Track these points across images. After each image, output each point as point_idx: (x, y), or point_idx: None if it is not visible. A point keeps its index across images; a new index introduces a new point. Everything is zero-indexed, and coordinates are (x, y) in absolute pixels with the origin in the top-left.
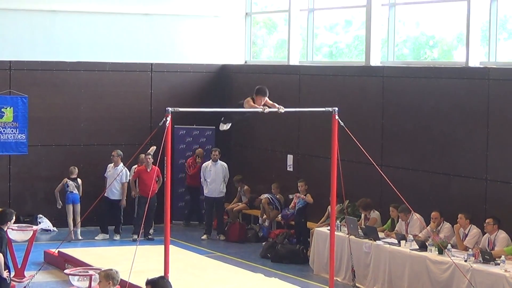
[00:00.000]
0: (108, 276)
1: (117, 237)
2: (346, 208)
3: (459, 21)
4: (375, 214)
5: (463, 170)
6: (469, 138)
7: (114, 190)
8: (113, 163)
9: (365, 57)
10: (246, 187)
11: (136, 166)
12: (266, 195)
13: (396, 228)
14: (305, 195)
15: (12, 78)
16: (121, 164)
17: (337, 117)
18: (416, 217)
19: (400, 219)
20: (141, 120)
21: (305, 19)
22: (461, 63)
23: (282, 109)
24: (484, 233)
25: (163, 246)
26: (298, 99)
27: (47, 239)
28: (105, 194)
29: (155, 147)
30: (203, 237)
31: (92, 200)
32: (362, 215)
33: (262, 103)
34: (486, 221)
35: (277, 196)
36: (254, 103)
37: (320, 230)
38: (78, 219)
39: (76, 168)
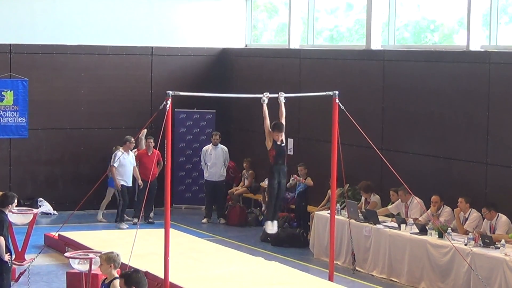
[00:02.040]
0: (109, 259)
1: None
2: (347, 192)
3: (460, 5)
4: (375, 198)
5: (463, 154)
6: (469, 122)
7: (130, 176)
8: (122, 149)
9: (366, 41)
10: (251, 171)
11: (136, 149)
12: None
13: (393, 208)
14: (305, 179)
15: (12, 61)
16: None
17: (337, 101)
18: (416, 200)
19: (399, 200)
20: (142, 103)
21: (305, 3)
22: (462, 47)
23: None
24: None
25: (163, 229)
26: (298, 83)
27: (48, 223)
28: (126, 184)
29: (145, 130)
30: (203, 221)
31: (92, 183)
32: (362, 199)
33: (280, 138)
34: (482, 210)
35: None
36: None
37: (320, 214)
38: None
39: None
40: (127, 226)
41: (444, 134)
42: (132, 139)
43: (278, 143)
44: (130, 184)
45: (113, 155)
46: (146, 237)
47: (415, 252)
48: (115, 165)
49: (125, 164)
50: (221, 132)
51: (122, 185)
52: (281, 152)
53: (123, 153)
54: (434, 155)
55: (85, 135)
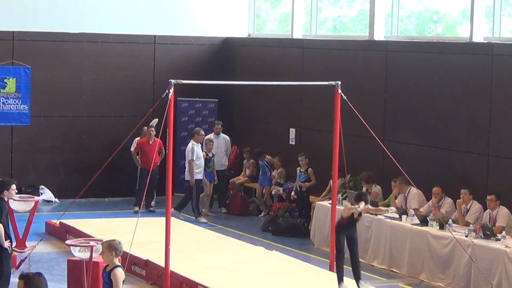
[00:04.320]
0: (110, 246)
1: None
2: (348, 182)
3: None
4: (376, 189)
5: (465, 145)
6: (472, 113)
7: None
8: (193, 141)
9: (369, 32)
10: (252, 160)
11: (138, 138)
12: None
13: (396, 201)
14: (307, 170)
15: (15, 48)
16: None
17: (340, 91)
18: (414, 191)
19: (399, 192)
20: (144, 92)
21: None
22: (465, 38)
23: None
24: (485, 209)
25: (164, 218)
26: (301, 72)
27: (49, 210)
28: (200, 178)
29: (157, 119)
30: (204, 210)
31: (94, 171)
32: (364, 189)
33: (359, 212)
34: (488, 197)
35: (279, 170)
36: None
37: (322, 204)
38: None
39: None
40: (206, 221)
41: (446, 125)
42: (202, 131)
43: (356, 216)
44: (201, 177)
45: (190, 149)
46: (147, 226)
47: (415, 243)
48: (194, 158)
49: (200, 157)
50: (223, 121)
51: (199, 179)
52: (353, 223)
53: (197, 145)
54: (436, 146)
55: (87, 123)
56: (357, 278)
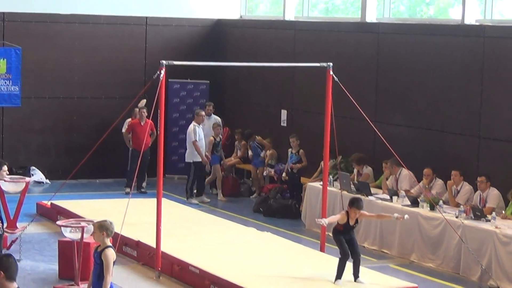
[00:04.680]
0: (102, 227)
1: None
2: (339, 164)
3: None
4: (367, 170)
5: (456, 127)
6: (463, 95)
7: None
8: (195, 123)
9: (361, 14)
10: (243, 142)
11: (129, 119)
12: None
13: (387, 182)
14: (298, 151)
15: (5, 29)
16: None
17: (331, 73)
18: (405, 172)
19: (390, 173)
20: (135, 73)
21: None
22: (457, 21)
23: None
24: (476, 190)
25: (155, 199)
26: (293, 54)
27: (40, 191)
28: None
29: (145, 100)
30: (195, 191)
31: (85, 152)
32: (355, 171)
33: (357, 216)
34: (479, 179)
35: (270, 152)
36: (348, 216)
37: (313, 185)
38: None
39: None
40: (197, 202)
41: (437, 107)
42: (202, 112)
43: (351, 223)
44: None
45: (192, 130)
46: (138, 207)
47: (406, 224)
48: (197, 139)
49: (202, 138)
50: (215, 103)
51: (198, 161)
52: (349, 229)
53: (198, 126)
54: (427, 128)
55: (78, 104)
56: (355, 276)
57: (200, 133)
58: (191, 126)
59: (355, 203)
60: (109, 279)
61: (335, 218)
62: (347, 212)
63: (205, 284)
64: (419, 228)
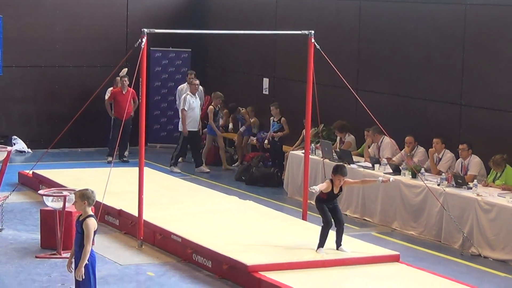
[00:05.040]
0: (83, 195)
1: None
2: (321, 132)
3: None
4: (350, 138)
5: (438, 95)
6: (445, 63)
7: (197, 120)
8: (190, 92)
9: None
10: (225, 110)
11: (111, 88)
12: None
13: (369, 150)
14: (280, 119)
15: None
16: None
17: (313, 41)
18: (387, 140)
19: (372, 141)
20: (117, 42)
21: None
22: None
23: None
24: (457, 158)
25: (137, 168)
26: (274, 22)
27: (22, 161)
28: (192, 130)
29: (126, 68)
30: (178, 160)
31: (66, 121)
32: (338, 139)
33: (341, 183)
34: (460, 146)
35: (252, 120)
36: (332, 184)
37: (295, 153)
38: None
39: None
40: (180, 171)
41: (419, 75)
42: (196, 80)
43: (336, 191)
44: (196, 129)
45: (182, 98)
46: (120, 176)
47: (388, 192)
48: (186, 108)
49: (195, 108)
50: (197, 71)
51: (190, 130)
52: (333, 198)
53: (192, 96)
54: (409, 96)
55: (60, 73)
56: (338, 244)
57: (192, 103)
58: (184, 95)
59: (339, 170)
60: (89, 249)
61: (323, 186)
62: (331, 181)
63: (187, 253)
64: (401, 196)
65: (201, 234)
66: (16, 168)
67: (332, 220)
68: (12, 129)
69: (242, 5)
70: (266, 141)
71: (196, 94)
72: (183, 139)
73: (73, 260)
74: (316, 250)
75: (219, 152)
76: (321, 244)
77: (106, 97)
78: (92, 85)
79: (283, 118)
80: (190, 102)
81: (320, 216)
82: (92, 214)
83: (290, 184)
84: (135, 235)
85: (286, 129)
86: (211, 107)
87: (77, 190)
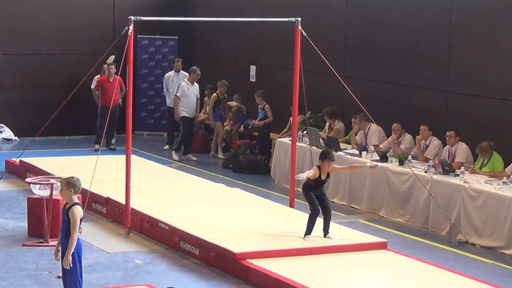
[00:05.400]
0: (69, 184)
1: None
2: (308, 119)
3: None
4: (339, 125)
5: (425, 81)
6: (431, 49)
7: (193, 107)
8: (187, 80)
9: None
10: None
11: (98, 76)
12: (235, 104)
13: (356, 137)
14: (264, 107)
15: None
16: None
17: (300, 28)
18: (374, 127)
19: (359, 128)
20: (104, 29)
21: None
22: None
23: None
24: (445, 145)
25: (125, 155)
26: (261, 9)
27: (9, 149)
28: (189, 116)
29: (113, 56)
30: (165, 147)
31: (53, 109)
32: (326, 125)
33: (329, 169)
34: (448, 133)
35: (233, 107)
36: (320, 170)
37: (282, 141)
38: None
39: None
40: (177, 158)
41: (406, 62)
42: (198, 70)
43: (323, 178)
44: (193, 116)
45: (177, 84)
46: (107, 163)
47: (375, 179)
48: (178, 94)
49: (189, 95)
50: (184, 59)
51: (184, 116)
52: (321, 184)
53: (187, 83)
54: (396, 83)
55: (47, 60)
56: (325, 231)
57: (186, 90)
58: (180, 81)
59: (327, 156)
60: (75, 237)
61: (310, 173)
62: (319, 167)
63: (174, 241)
64: (388, 183)
65: (188, 222)
66: (3, 156)
67: (320, 207)
68: None
69: None
70: (250, 126)
71: (195, 82)
72: (184, 125)
73: (60, 248)
74: (304, 238)
75: (217, 140)
76: (309, 231)
77: (93, 85)
78: (79, 72)
79: (266, 105)
80: (184, 88)
81: (307, 203)
82: (78, 202)
83: (277, 172)
84: (122, 223)
85: (269, 116)
86: (214, 95)
87: (63, 178)
